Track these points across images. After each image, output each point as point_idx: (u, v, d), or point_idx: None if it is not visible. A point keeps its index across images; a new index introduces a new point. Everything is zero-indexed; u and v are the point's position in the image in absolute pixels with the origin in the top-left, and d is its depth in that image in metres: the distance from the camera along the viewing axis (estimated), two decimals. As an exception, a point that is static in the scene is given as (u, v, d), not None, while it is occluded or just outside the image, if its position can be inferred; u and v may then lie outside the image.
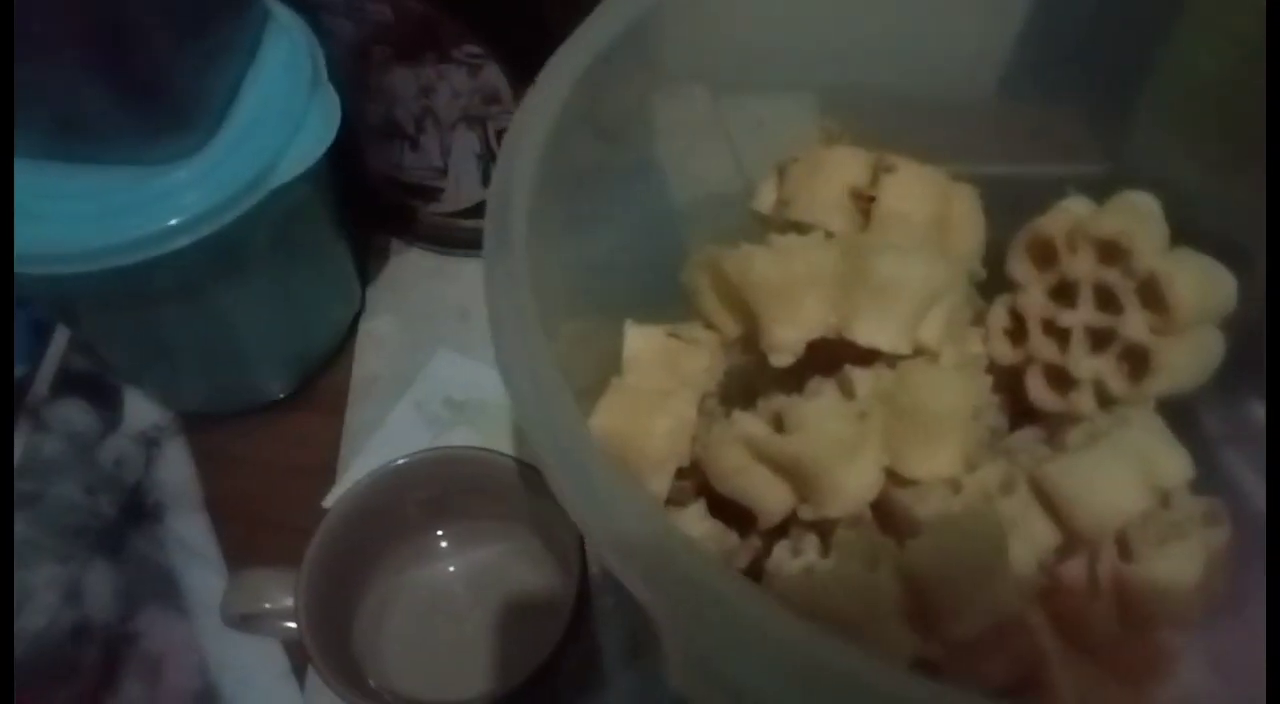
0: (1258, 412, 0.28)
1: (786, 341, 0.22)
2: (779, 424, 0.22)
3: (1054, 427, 0.27)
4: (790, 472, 0.21)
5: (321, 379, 0.38)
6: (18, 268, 0.28)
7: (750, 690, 0.15)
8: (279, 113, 0.30)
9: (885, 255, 0.22)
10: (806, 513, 0.21)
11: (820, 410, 0.21)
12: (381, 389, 0.38)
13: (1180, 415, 0.26)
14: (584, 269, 0.26)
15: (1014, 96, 0.33)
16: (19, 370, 0.38)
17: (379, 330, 0.40)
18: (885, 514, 0.22)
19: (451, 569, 0.32)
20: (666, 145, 0.33)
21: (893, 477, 0.22)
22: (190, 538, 0.34)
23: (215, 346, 0.35)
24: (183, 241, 0.28)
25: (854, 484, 0.21)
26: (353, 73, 0.33)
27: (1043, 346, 0.27)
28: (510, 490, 0.30)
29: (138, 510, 0.35)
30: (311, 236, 0.35)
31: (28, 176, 0.28)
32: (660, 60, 0.32)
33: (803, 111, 0.35)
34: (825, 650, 0.14)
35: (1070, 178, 0.31)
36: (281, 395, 0.38)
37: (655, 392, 0.23)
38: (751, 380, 0.24)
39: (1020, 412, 0.28)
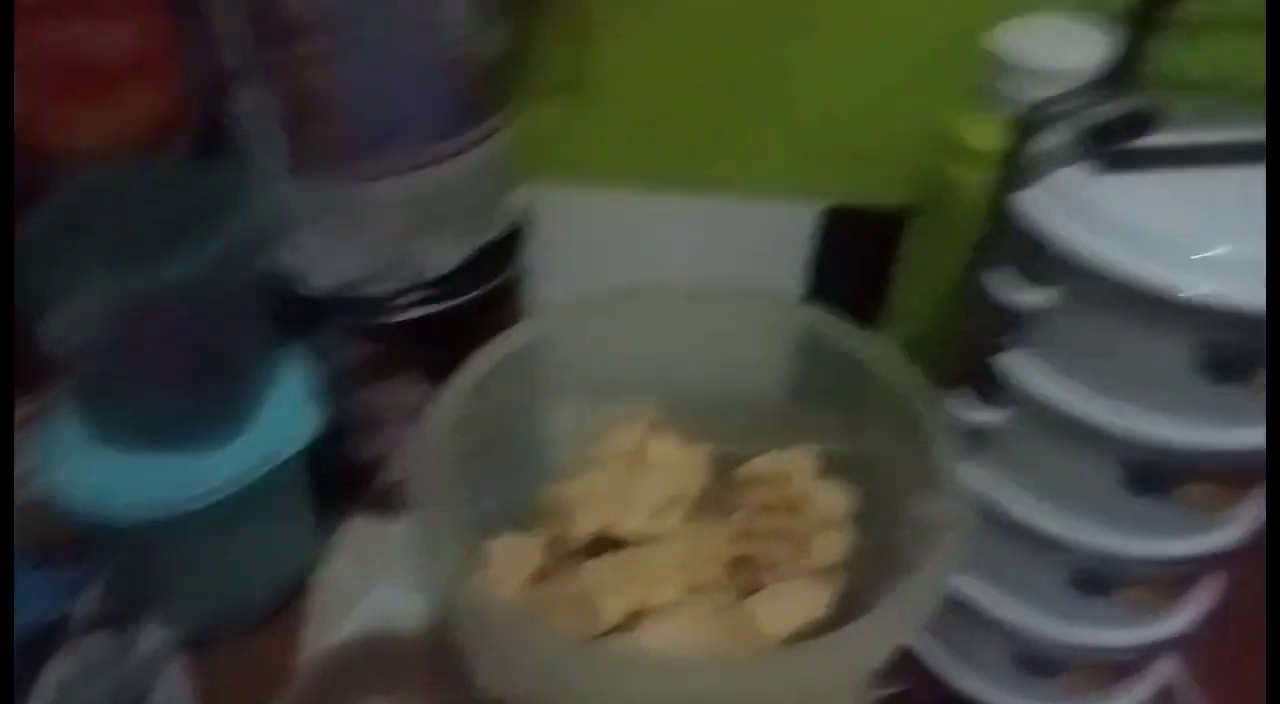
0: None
1: (579, 532, 0.39)
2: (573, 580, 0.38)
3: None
4: (579, 604, 0.37)
5: (287, 608, 0.52)
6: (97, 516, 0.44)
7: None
8: (286, 417, 0.48)
9: (632, 478, 0.39)
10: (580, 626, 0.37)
11: (594, 566, 0.38)
12: (335, 612, 0.53)
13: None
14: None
15: (795, 399, 0.49)
16: (58, 613, 0.52)
17: (333, 574, 0.54)
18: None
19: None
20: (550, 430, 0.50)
21: (639, 606, 0.38)
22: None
23: (213, 580, 0.49)
24: (204, 502, 0.44)
25: (614, 608, 0.37)
26: (336, 386, 0.51)
27: (753, 544, 0.44)
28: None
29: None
30: (295, 501, 0.51)
31: (117, 458, 0.45)
32: (540, 374, 0.51)
33: (648, 414, 0.54)
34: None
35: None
36: (256, 619, 0.52)
37: (504, 573, 0.40)
38: (561, 560, 0.41)
39: (745, 588, 0.44)
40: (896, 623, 0.34)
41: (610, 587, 0.37)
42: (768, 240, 0.62)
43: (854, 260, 0.59)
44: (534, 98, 0.56)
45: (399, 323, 0.50)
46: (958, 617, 0.46)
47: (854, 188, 0.59)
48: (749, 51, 0.54)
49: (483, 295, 0.51)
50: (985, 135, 0.42)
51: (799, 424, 0.48)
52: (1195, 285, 0.31)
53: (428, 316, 0.50)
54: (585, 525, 0.39)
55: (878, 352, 0.42)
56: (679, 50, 0.54)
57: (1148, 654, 0.46)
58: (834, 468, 0.46)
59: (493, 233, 0.51)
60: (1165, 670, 0.49)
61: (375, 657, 0.44)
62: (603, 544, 0.40)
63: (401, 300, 0.49)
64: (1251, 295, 0.31)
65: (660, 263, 0.62)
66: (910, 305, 0.53)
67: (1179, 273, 0.31)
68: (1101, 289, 0.33)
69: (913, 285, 0.53)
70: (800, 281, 0.64)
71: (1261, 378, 0.33)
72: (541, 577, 0.41)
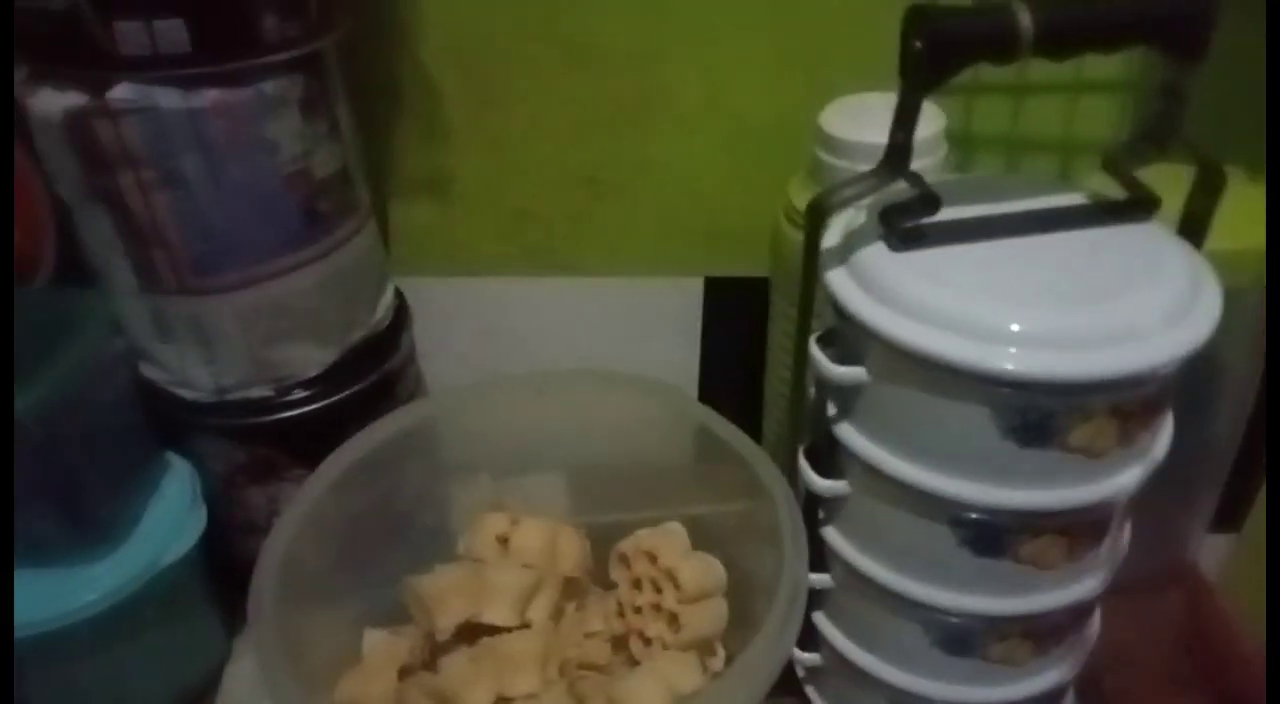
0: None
1: (443, 626, 0.40)
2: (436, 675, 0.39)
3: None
4: (442, 699, 0.38)
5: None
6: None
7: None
8: (166, 524, 0.48)
9: (492, 569, 0.40)
10: (449, 723, 0.37)
11: (452, 662, 0.38)
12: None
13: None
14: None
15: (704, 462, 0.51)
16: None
17: (241, 670, 0.55)
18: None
19: None
20: (458, 515, 0.51)
21: (500, 696, 0.38)
22: None
23: (115, 691, 0.50)
24: (98, 609, 0.45)
25: (475, 702, 0.37)
26: (220, 492, 0.52)
27: (633, 619, 0.45)
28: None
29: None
30: (190, 603, 0.52)
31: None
32: (441, 454, 0.52)
33: (556, 486, 0.55)
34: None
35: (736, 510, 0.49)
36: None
37: (375, 669, 0.40)
38: (431, 653, 0.41)
39: (631, 663, 0.45)
40: (741, 687, 0.35)
41: (469, 680, 0.38)
42: (659, 315, 0.64)
43: (739, 329, 0.61)
44: (402, 199, 0.58)
45: (278, 423, 0.50)
46: (844, 676, 0.47)
47: (724, 261, 0.61)
48: (606, 142, 0.57)
49: (361, 391, 0.52)
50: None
51: (673, 497, 0.49)
52: (991, 359, 0.32)
53: (308, 415, 0.51)
54: (447, 619, 0.40)
55: (730, 428, 0.44)
56: (539, 145, 0.57)
57: (1044, 701, 0.46)
58: (703, 541, 0.47)
59: (362, 332, 0.52)
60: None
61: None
62: (475, 632, 0.41)
63: (278, 402, 0.50)
64: (1044, 364, 0.32)
65: (551, 345, 0.64)
66: (777, 374, 0.55)
67: (974, 347, 0.33)
68: (904, 364, 0.34)
69: (777, 355, 0.55)
70: (694, 353, 0.66)
71: (1068, 438, 0.35)
72: (412, 670, 0.41)
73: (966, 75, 0.58)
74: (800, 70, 0.55)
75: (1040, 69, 0.55)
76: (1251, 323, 0.50)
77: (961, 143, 0.57)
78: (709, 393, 0.66)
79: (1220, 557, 0.72)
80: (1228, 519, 0.71)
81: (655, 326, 0.64)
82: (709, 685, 0.37)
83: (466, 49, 0.54)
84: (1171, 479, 0.44)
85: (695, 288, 0.63)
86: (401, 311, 0.56)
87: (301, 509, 0.40)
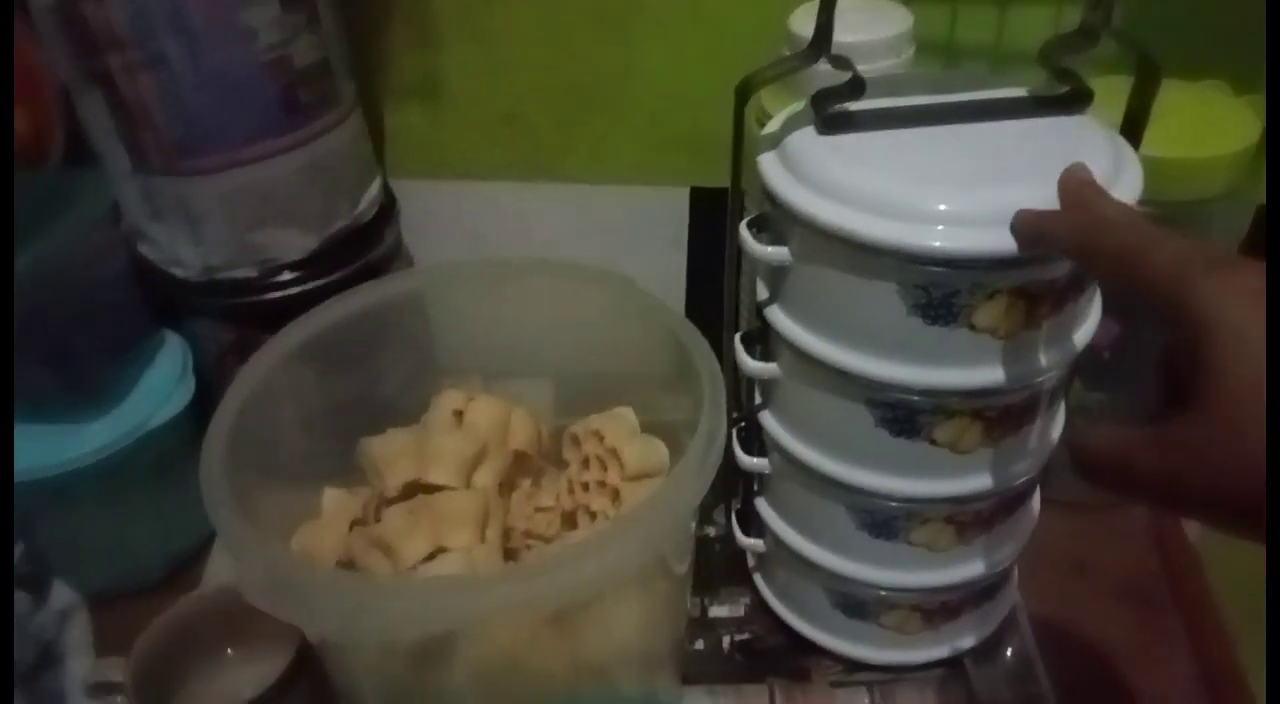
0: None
1: (392, 484, 0.43)
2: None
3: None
4: (383, 548, 0.41)
5: (187, 570, 0.57)
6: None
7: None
8: (157, 391, 0.52)
9: (434, 435, 0.43)
10: (388, 567, 0.40)
11: (390, 514, 0.41)
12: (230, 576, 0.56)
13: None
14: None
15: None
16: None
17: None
18: (431, 567, 0.41)
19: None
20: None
21: (439, 547, 0.41)
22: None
23: (108, 544, 0.54)
24: (92, 460, 0.49)
25: (412, 550, 0.40)
26: (213, 370, 0.55)
27: (581, 495, 0.47)
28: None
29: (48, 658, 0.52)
30: (181, 469, 0.55)
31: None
32: (433, 354, 0.54)
33: (544, 391, 0.57)
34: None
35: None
36: (156, 579, 0.56)
37: (329, 521, 0.43)
38: (379, 509, 0.44)
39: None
40: (637, 532, 0.35)
41: (405, 532, 0.40)
42: (646, 223, 0.65)
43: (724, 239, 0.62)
44: (393, 100, 0.60)
45: (263, 304, 0.53)
46: (785, 562, 0.49)
47: (710, 171, 0.62)
48: (590, 47, 0.58)
49: (344, 279, 0.54)
50: (783, 105, 0.45)
51: (629, 390, 0.51)
52: (885, 232, 0.34)
53: (291, 298, 0.53)
54: (395, 478, 0.43)
55: (679, 321, 0.46)
56: (525, 48, 0.58)
57: (977, 593, 0.48)
58: (653, 427, 0.49)
59: (344, 222, 0.54)
60: (1002, 608, 0.51)
61: (226, 609, 0.48)
62: (424, 492, 0.43)
63: (262, 283, 0.53)
64: (944, 239, 0.33)
65: (540, 250, 0.66)
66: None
67: (873, 222, 0.34)
68: (818, 241, 0.36)
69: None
70: (682, 262, 0.67)
71: (972, 317, 0.35)
72: (364, 524, 0.44)
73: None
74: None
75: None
76: (1210, 232, 0.50)
77: (945, 53, 0.57)
78: (695, 302, 0.68)
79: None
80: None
81: (643, 234, 0.66)
82: (609, 524, 0.38)
83: (453, -54, 0.56)
84: (1126, 388, 0.45)
85: (681, 197, 0.64)
86: (387, 207, 0.58)
87: (263, 365, 0.43)
